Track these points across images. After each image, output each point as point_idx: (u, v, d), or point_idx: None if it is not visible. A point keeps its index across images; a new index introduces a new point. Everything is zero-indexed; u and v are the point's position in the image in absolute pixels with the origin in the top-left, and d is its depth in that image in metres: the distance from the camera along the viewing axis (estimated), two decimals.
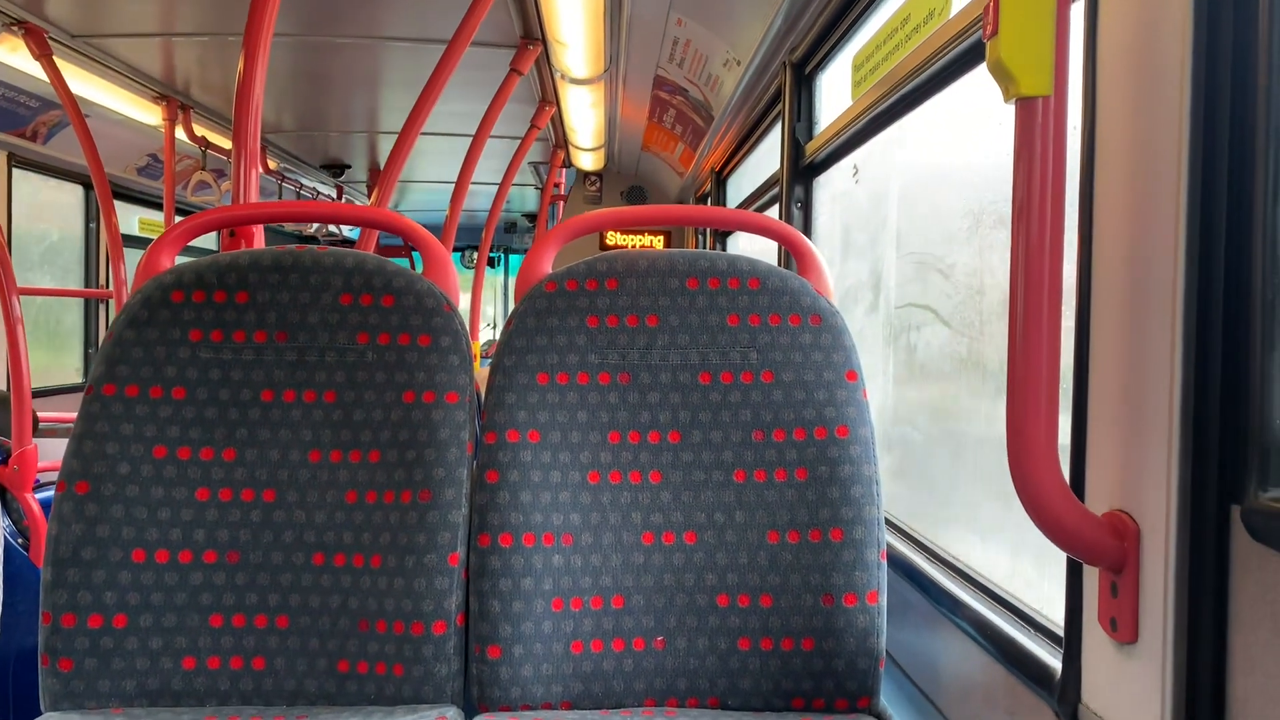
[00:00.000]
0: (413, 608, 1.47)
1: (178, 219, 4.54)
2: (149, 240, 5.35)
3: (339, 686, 1.49)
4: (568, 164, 6.72)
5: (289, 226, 9.01)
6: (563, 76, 4.19)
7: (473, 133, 4.10)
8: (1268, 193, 0.85)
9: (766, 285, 1.57)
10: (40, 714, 1.45)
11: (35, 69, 3.65)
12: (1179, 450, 0.92)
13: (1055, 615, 1.27)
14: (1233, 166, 0.89)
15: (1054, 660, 1.20)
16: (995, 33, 0.95)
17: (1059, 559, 1.14)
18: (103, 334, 5.67)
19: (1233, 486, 0.89)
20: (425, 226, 1.80)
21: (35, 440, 3.10)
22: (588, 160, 6.67)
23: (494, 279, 12.75)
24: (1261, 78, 0.86)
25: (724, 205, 5.64)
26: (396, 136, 2.83)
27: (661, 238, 8.03)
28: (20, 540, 2.93)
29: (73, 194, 5.57)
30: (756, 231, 1.79)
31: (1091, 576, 1.07)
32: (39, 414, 3.26)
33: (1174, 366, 0.93)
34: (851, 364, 1.55)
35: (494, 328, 12.38)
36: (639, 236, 7.95)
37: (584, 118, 5.12)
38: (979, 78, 1.75)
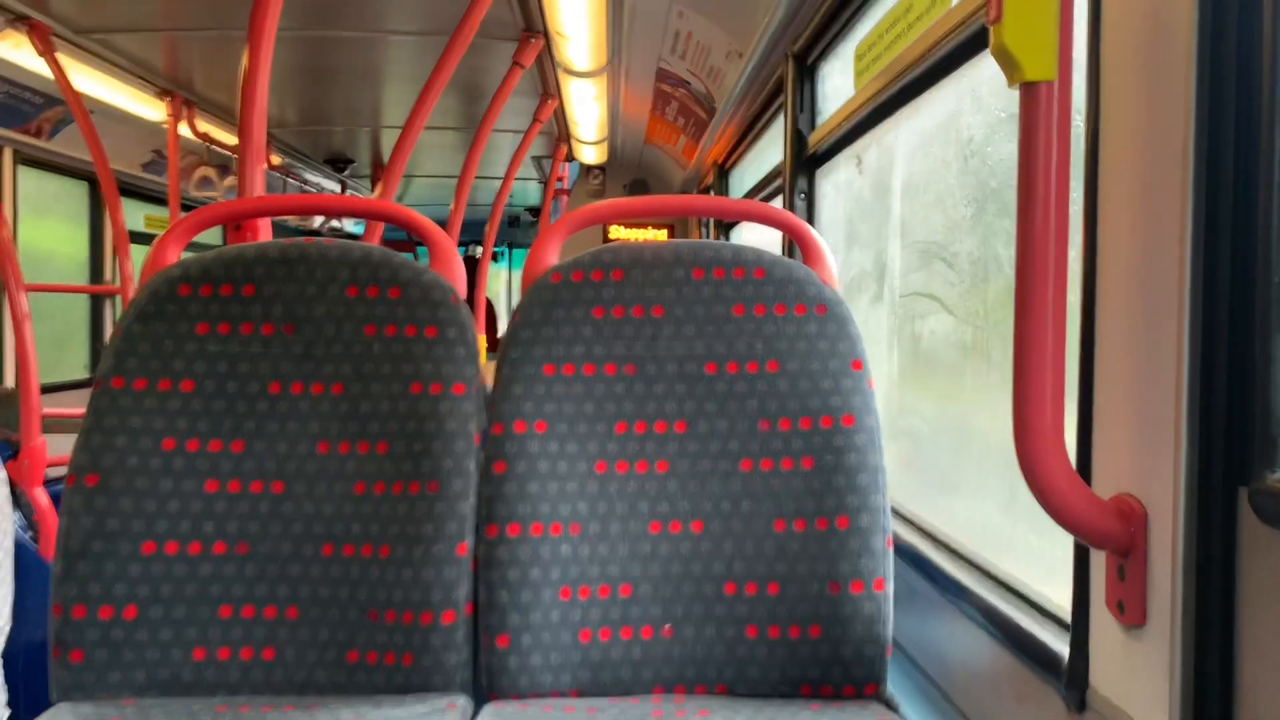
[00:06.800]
0: (421, 598, 1.48)
1: (182, 214, 4.54)
2: (154, 236, 5.36)
3: (349, 676, 1.49)
4: (570, 158, 6.72)
5: (293, 221, 9.02)
6: (565, 70, 4.18)
7: (476, 127, 4.10)
8: (1274, 176, 0.86)
9: (772, 275, 1.58)
10: (51, 705, 1.45)
11: (39, 65, 3.65)
12: (1185, 433, 0.93)
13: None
14: (1238, 149, 0.89)
15: (1061, 645, 1.20)
16: (999, 18, 0.95)
17: None
18: (110, 329, 5.69)
19: (1240, 468, 0.89)
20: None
21: (43, 435, 3.11)
22: (590, 154, 6.67)
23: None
24: (1267, 61, 0.86)
25: (727, 197, 5.63)
26: (400, 131, 2.83)
27: (665, 231, 8.03)
28: (30, 534, 2.95)
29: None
30: (761, 221, 1.79)
31: (1099, 560, 1.08)
32: (44, 409, 3.27)
33: (1180, 349, 0.93)
34: (857, 353, 1.55)
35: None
36: (643, 230, 7.95)
37: (586, 111, 5.12)
38: (983, 65, 1.75)
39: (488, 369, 1.58)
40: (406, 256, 1.64)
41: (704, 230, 7.07)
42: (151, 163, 5.74)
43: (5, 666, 2.40)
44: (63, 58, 3.56)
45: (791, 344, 1.55)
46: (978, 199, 1.80)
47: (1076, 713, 1.12)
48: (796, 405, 1.54)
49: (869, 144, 2.63)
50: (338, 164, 6.85)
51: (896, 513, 2.00)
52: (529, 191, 8.77)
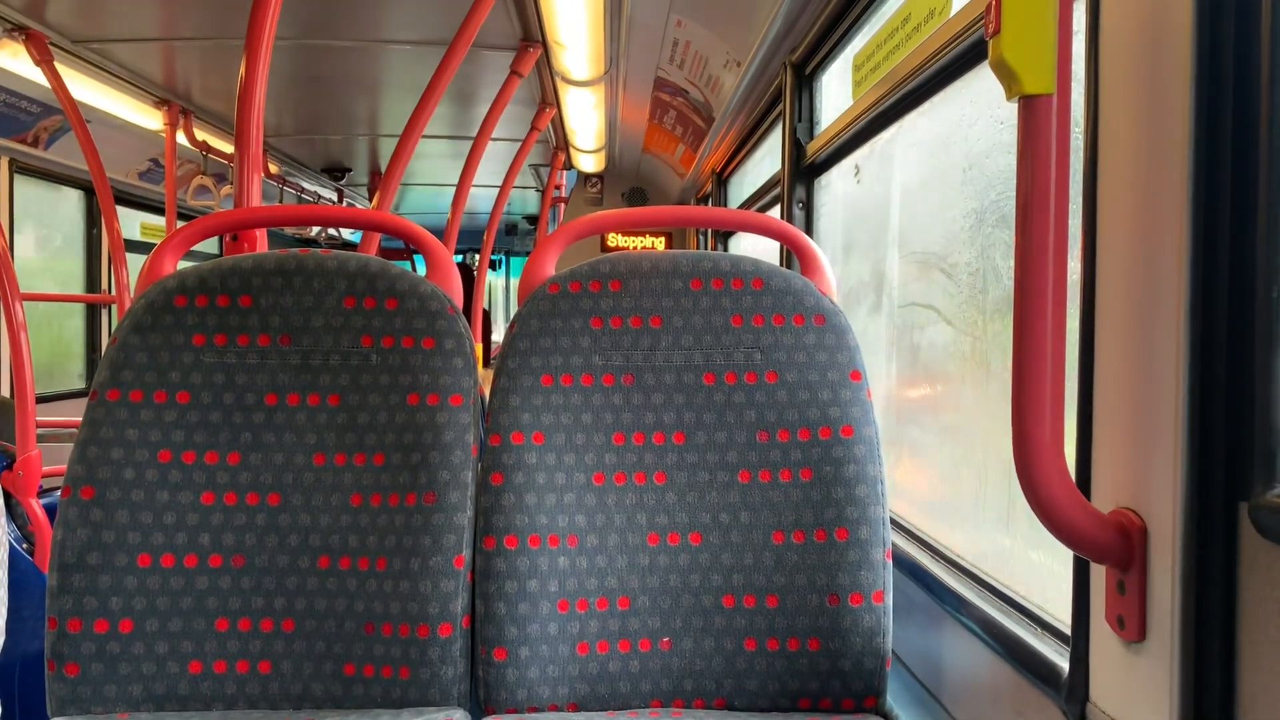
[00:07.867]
0: (419, 610, 1.47)
1: (179, 224, 4.54)
2: (151, 245, 5.36)
3: (345, 689, 1.49)
4: (568, 166, 6.72)
5: (290, 230, 9.02)
6: (563, 78, 4.19)
7: (473, 135, 4.10)
8: (1272, 190, 0.85)
9: (770, 286, 1.57)
10: (47, 719, 1.45)
11: (36, 74, 3.65)
12: (1185, 447, 0.92)
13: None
14: (1236, 163, 0.89)
15: (1061, 659, 1.19)
16: (997, 30, 0.95)
17: None
18: (105, 339, 5.67)
19: (1239, 484, 0.88)
20: (426, 230, 1.80)
21: (39, 446, 3.10)
22: (588, 162, 6.67)
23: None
24: (1264, 73, 0.86)
25: (725, 206, 5.63)
26: (397, 140, 2.83)
27: (663, 239, 8.02)
28: (25, 546, 2.94)
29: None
30: (758, 232, 1.79)
31: (1098, 574, 1.07)
32: (39, 419, 3.26)
33: (1179, 363, 0.93)
34: (855, 364, 1.55)
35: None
36: (640, 238, 7.94)
37: (584, 120, 5.12)
38: (981, 76, 1.75)
39: (485, 379, 1.58)
40: (404, 265, 1.64)
41: (702, 239, 7.07)
42: (148, 171, 5.74)
43: (1, 679, 2.39)
44: (60, 67, 3.56)
45: (790, 354, 1.55)
46: (976, 209, 1.80)
47: None
48: (795, 416, 1.53)
49: (868, 153, 2.64)
50: (335, 173, 6.86)
51: (896, 524, 1.99)
52: (527, 200, 8.77)
